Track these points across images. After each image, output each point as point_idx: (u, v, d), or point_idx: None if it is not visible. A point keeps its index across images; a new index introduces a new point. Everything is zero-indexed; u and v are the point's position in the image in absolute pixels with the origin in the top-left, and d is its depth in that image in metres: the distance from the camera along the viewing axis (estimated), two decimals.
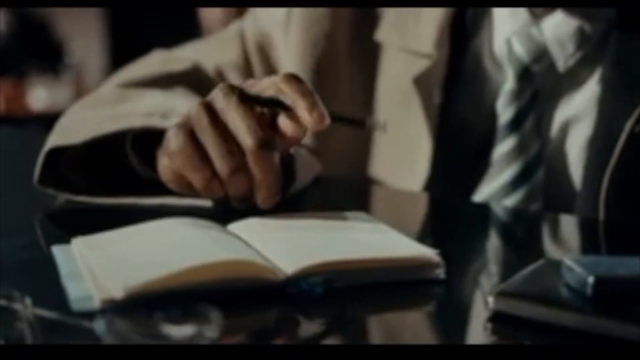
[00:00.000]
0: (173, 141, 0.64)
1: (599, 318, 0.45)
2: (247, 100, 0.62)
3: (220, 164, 0.63)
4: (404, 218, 0.77)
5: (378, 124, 0.68)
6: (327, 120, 0.61)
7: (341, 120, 0.67)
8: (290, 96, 0.62)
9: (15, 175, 0.87)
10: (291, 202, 0.69)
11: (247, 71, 0.90)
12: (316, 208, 0.69)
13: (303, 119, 0.61)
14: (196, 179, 0.64)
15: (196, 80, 0.85)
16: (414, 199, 0.83)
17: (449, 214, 0.77)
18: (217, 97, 0.64)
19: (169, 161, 0.65)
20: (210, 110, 0.63)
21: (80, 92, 2.59)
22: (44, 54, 3.01)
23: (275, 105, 0.63)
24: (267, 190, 0.63)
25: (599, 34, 0.79)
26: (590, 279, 0.46)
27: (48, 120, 0.83)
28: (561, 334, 0.46)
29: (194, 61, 0.88)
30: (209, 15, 2.94)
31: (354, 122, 0.70)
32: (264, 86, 0.64)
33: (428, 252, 0.55)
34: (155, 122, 0.69)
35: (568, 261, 0.49)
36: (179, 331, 0.41)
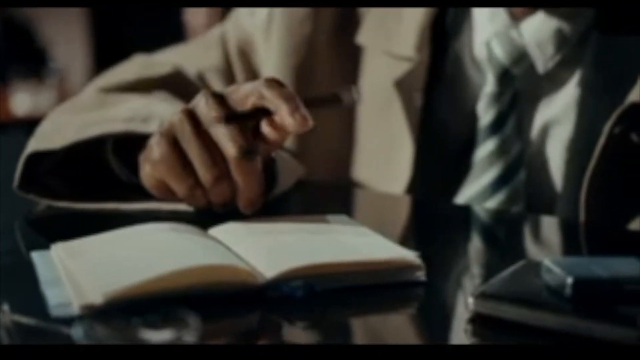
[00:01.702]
0: (155, 149, 0.64)
1: (577, 319, 0.45)
2: (231, 120, 0.62)
3: (203, 173, 0.63)
4: (386, 221, 0.77)
5: (354, 96, 0.67)
6: (310, 123, 0.61)
7: (316, 103, 0.66)
8: (272, 101, 0.62)
9: None
10: (273, 205, 0.69)
11: (229, 75, 0.90)
12: (298, 211, 0.69)
13: (286, 122, 0.61)
14: (179, 188, 0.64)
15: (177, 85, 0.85)
16: (396, 202, 0.83)
17: (431, 216, 0.78)
18: (199, 104, 0.64)
19: (152, 169, 0.65)
20: (193, 118, 0.63)
21: (63, 97, 2.58)
22: (27, 59, 2.99)
23: (258, 115, 0.63)
24: (249, 197, 0.63)
25: (579, 35, 0.79)
26: (569, 280, 0.47)
27: (31, 125, 0.83)
28: (541, 334, 0.46)
29: (174, 65, 0.88)
30: (193, 19, 2.94)
31: (329, 102, 0.69)
32: (245, 92, 0.64)
33: (409, 255, 0.55)
34: (136, 127, 0.69)
35: (547, 262, 0.49)
36: (158, 336, 0.41)
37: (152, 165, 0.65)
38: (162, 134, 0.64)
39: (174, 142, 0.63)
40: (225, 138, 0.62)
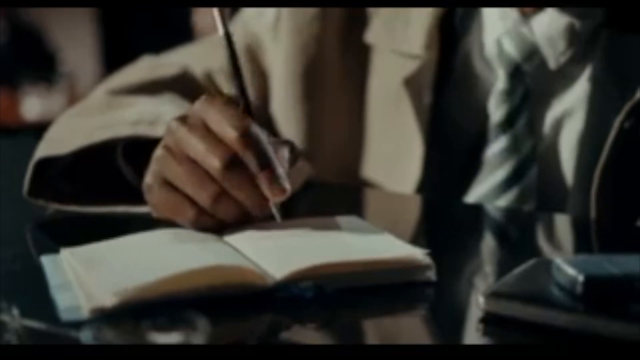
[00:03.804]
0: (150, 196, 0.63)
1: (589, 317, 0.45)
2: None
3: (200, 197, 0.60)
4: (396, 220, 0.77)
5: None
6: (288, 192, 0.59)
7: None
8: (250, 162, 0.59)
9: (8, 185, 0.87)
10: (282, 207, 0.68)
11: None
12: (307, 212, 0.69)
13: (264, 190, 0.59)
14: (184, 222, 0.62)
15: (185, 86, 0.85)
16: (406, 202, 0.82)
17: (442, 215, 0.77)
18: (174, 133, 0.61)
19: (154, 210, 0.64)
20: (171, 149, 0.61)
21: (73, 101, 2.58)
22: (37, 64, 3.01)
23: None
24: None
25: (590, 31, 0.79)
26: (581, 278, 0.46)
27: (41, 129, 0.83)
28: (552, 333, 0.46)
29: (182, 66, 0.87)
30: (201, 21, 2.94)
31: None
32: (220, 128, 0.60)
33: (418, 254, 0.55)
34: (144, 130, 0.69)
35: (558, 261, 0.48)
36: (167, 339, 0.41)
37: (153, 208, 0.64)
38: (152, 176, 0.63)
39: (164, 182, 0.62)
40: (221, 126, 0.59)
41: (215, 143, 0.59)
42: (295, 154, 0.69)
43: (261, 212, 0.61)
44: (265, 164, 0.59)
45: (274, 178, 0.59)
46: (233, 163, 0.59)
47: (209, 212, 0.60)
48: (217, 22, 0.64)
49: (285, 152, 0.63)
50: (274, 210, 0.60)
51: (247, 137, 0.59)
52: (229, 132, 0.59)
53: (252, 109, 0.62)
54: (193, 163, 0.60)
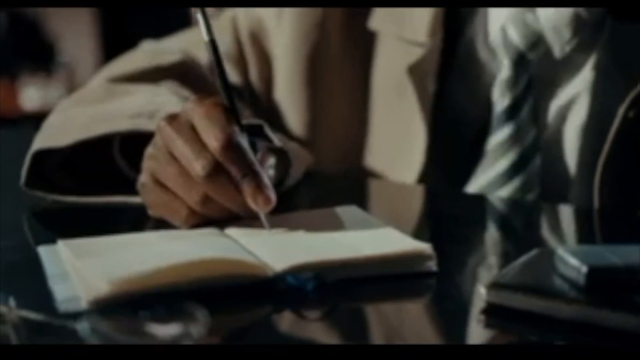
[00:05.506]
0: (144, 194, 0.63)
1: (592, 308, 0.44)
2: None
3: (189, 198, 0.60)
4: (399, 211, 0.77)
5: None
6: (273, 202, 0.58)
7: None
8: (233, 173, 0.58)
9: (7, 176, 0.87)
10: (284, 197, 0.68)
11: (240, 60, 0.88)
12: (308, 203, 0.68)
13: (248, 201, 0.58)
14: (177, 221, 0.62)
15: (187, 73, 0.84)
16: (408, 192, 0.82)
17: (445, 206, 0.77)
18: (156, 140, 0.61)
19: (149, 209, 0.64)
20: (159, 156, 0.61)
21: (72, 90, 2.56)
22: (36, 54, 2.99)
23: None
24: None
25: (595, 19, 0.78)
26: (584, 269, 0.46)
27: (41, 119, 0.82)
28: (555, 324, 0.45)
29: (184, 52, 0.86)
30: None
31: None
32: (205, 132, 0.59)
33: (419, 246, 0.54)
34: (142, 124, 0.69)
35: (561, 251, 0.48)
36: (165, 330, 0.41)
37: (149, 208, 0.64)
38: (145, 174, 0.62)
39: (156, 181, 0.62)
40: (205, 132, 0.59)
41: (200, 149, 0.58)
42: (288, 159, 0.69)
43: (250, 215, 0.60)
44: (248, 173, 0.58)
45: (257, 188, 0.58)
46: (216, 171, 0.58)
47: (200, 212, 0.60)
48: (202, 29, 0.63)
49: (271, 160, 0.62)
50: (262, 219, 0.59)
51: (229, 148, 0.58)
52: (211, 141, 0.58)
53: (239, 116, 0.61)
54: (181, 164, 0.60)
